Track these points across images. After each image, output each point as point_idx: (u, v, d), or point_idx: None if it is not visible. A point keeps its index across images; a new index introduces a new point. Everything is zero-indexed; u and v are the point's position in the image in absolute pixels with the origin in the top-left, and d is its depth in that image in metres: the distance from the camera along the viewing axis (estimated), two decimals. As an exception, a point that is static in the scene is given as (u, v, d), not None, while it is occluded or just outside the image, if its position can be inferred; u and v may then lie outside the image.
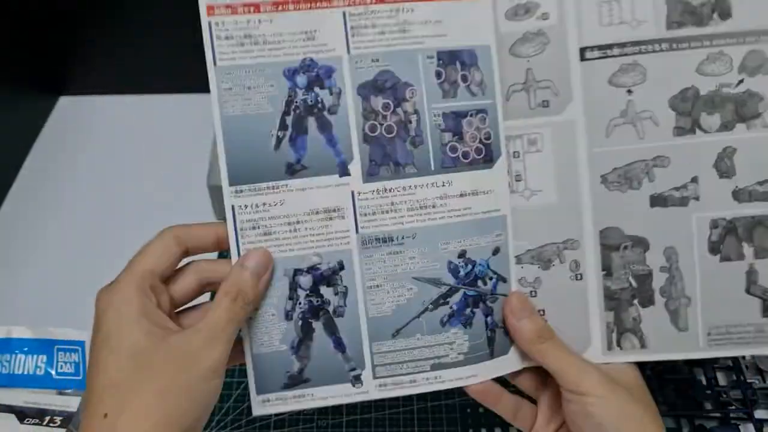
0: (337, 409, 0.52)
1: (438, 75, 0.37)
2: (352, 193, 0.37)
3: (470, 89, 0.37)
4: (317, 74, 0.36)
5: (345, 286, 0.37)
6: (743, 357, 0.52)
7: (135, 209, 0.68)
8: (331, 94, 0.37)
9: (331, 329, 0.37)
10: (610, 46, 0.38)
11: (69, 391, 0.52)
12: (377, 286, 0.37)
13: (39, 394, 0.52)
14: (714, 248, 0.38)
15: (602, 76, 0.38)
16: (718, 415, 0.50)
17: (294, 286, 0.37)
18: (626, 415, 0.35)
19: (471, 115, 0.37)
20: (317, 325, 0.37)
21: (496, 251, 0.38)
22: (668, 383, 0.51)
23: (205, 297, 0.39)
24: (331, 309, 0.37)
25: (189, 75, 0.70)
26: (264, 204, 0.36)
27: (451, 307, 0.38)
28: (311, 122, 0.37)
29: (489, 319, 0.38)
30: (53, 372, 0.53)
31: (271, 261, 0.36)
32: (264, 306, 0.37)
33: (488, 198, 0.38)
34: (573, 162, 0.38)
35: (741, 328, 0.38)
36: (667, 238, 0.38)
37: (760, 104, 0.37)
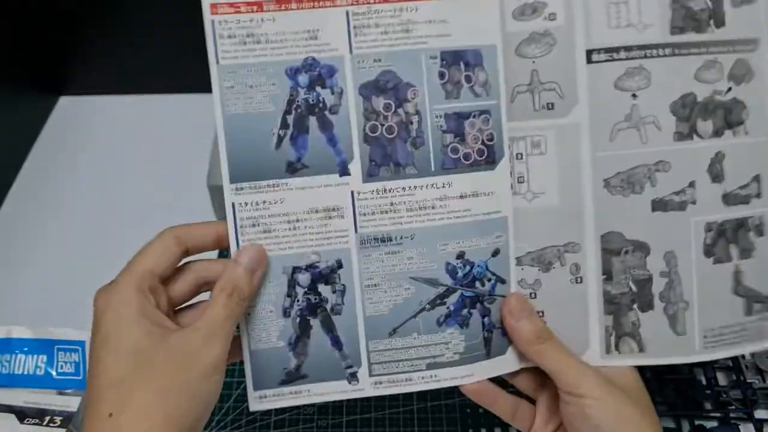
0: (337, 409, 0.52)
1: (441, 75, 0.37)
2: (352, 192, 0.37)
3: (474, 90, 0.37)
4: (319, 74, 0.36)
5: (343, 285, 0.37)
6: (743, 357, 0.52)
7: (135, 209, 0.68)
8: (333, 93, 0.37)
9: (329, 327, 0.37)
10: (617, 49, 0.37)
11: (69, 391, 0.52)
12: (375, 285, 0.37)
13: (39, 394, 0.52)
14: (708, 251, 0.38)
15: (608, 79, 0.38)
16: (718, 415, 0.50)
17: (292, 284, 0.37)
18: (623, 417, 0.35)
19: (474, 116, 0.37)
20: (315, 323, 0.37)
21: (495, 253, 0.38)
22: (668, 383, 0.51)
23: (204, 296, 0.39)
24: (328, 307, 0.37)
25: (189, 75, 0.70)
26: (264, 202, 0.36)
27: (448, 308, 0.38)
28: (312, 121, 0.37)
29: (486, 319, 0.38)
30: (53, 372, 0.53)
31: (265, 256, 0.36)
32: (262, 303, 0.37)
33: (489, 199, 0.38)
34: (576, 165, 0.38)
35: (730, 328, 0.39)
36: (667, 243, 0.38)
37: (743, 112, 0.38)
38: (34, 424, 0.50)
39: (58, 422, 0.50)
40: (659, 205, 0.38)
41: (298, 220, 0.37)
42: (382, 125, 0.37)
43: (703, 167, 0.38)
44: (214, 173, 0.62)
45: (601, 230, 0.38)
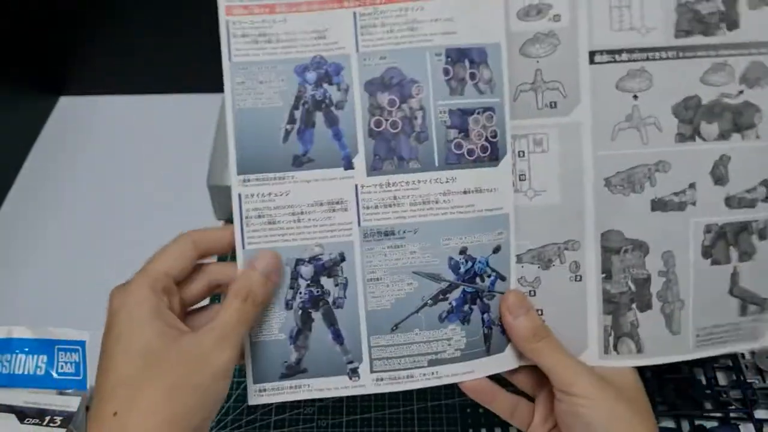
0: (337, 409, 0.52)
1: (446, 72, 0.37)
2: (356, 186, 0.37)
3: (478, 87, 0.38)
4: (326, 71, 0.37)
5: (345, 278, 0.38)
6: (743, 357, 0.52)
7: (135, 209, 0.68)
8: (339, 90, 0.37)
9: (330, 320, 0.38)
10: (619, 51, 0.38)
11: (69, 391, 0.52)
12: (377, 279, 0.38)
13: (39, 394, 0.52)
14: (706, 252, 0.39)
15: (610, 80, 0.38)
16: (718, 415, 0.50)
17: (295, 276, 0.37)
18: (616, 416, 0.35)
19: (478, 113, 0.38)
20: (316, 316, 0.38)
21: (496, 249, 0.38)
22: (668, 383, 0.51)
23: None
24: (330, 300, 0.38)
25: (189, 75, 0.70)
26: (270, 194, 0.37)
27: (450, 303, 0.38)
28: (319, 116, 0.37)
29: (486, 316, 0.38)
30: (53, 372, 0.53)
31: (280, 263, 0.37)
32: None
33: (492, 196, 0.38)
34: (578, 164, 0.38)
35: (721, 327, 0.39)
36: (665, 243, 0.39)
37: (756, 115, 0.38)
38: (34, 424, 0.50)
39: (58, 422, 0.50)
40: (659, 204, 0.38)
41: (302, 213, 0.37)
42: (387, 120, 0.37)
43: (705, 169, 0.38)
44: (214, 173, 0.62)
45: (601, 228, 0.39)
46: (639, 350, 0.39)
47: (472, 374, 0.38)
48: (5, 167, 0.72)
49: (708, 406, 0.50)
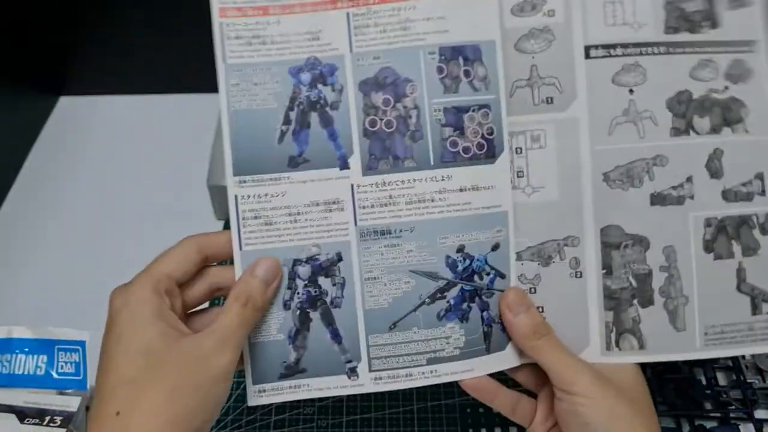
0: (337, 410, 0.52)
1: (440, 70, 0.37)
2: (352, 186, 0.37)
3: (473, 84, 0.38)
4: (320, 72, 0.37)
5: (343, 278, 0.38)
6: (743, 357, 0.52)
7: (135, 209, 0.68)
8: (334, 90, 0.38)
9: (328, 320, 0.38)
10: (614, 46, 0.38)
11: (69, 391, 0.52)
12: (375, 278, 0.38)
13: (39, 394, 0.52)
14: (708, 247, 0.39)
15: (606, 74, 0.38)
16: (718, 415, 0.50)
17: (293, 276, 0.37)
18: (616, 415, 0.35)
19: (473, 110, 0.38)
20: (314, 316, 0.38)
21: (495, 247, 0.38)
22: (668, 383, 0.51)
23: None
24: (328, 300, 0.38)
25: (189, 75, 0.70)
26: (266, 195, 0.37)
27: (448, 302, 0.38)
28: (314, 117, 0.37)
29: (485, 314, 0.38)
30: (53, 372, 0.53)
31: (279, 270, 0.37)
32: None
33: (489, 193, 0.38)
34: (575, 159, 0.38)
35: (734, 327, 0.39)
36: (666, 237, 0.38)
37: (742, 110, 0.39)
38: (34, 424, 0.50)
39: (58, 422, 0.50)
40: (658, 199, 0.38)
41: (299, 213, 0.37)
42: (381, 120, 0.38)
43: (700, 163, 0.38)
44: (214, 173, 0.62)
45: (600, 224, 0.39)
46: (641, 346, 0.39)
47: (471, 372, 0.38)
48: (5, 167, 0.72)
49: (708, 406, 0.50)
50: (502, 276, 0.39)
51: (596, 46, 0.38)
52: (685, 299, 0.38)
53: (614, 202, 0.38)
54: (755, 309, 0.39)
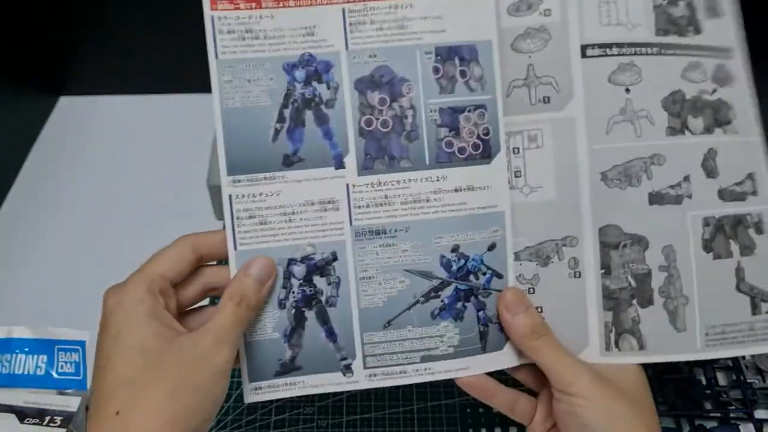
0: (337, 409, 0.52)
1: (436, 70, 0.37)
2: (347, 185, 0.37)
3: (469, 85, 0.38)
4: (315, 69, 0.37)
5: (338, 277, 0.38)
6: (743, 357, 0.52)
7: (135, 209, 0.68)
8: (329, 88, 0.37)
9: (323, 318, 0.38)
10: (609, 45, 0.38)
11: (69, 391, 0.52)
12: (370, 277, 0.38)
13: (39, 394, 0.52)
14: (707, 246, 0.39)
15: (602, 73, 0.38)
16: (718, 415, 0.50)
17: (288, 275, 0.37)
18: (615, 416, 0.35)
19: (469, 111, 0.38)
20: (309, 314, 0.38)
21: (492, 247, 0.38)
22: (668, 383, 0.51)
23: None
24: (323, 299, 0.38)
25: (189, 75, 0.70)
26: (261, 194, 0.37)
27: (442, 301, 0.38)
28: (309, 115, 0.37)
29: (481, 313, 0.38)
30: (53, 372, 0.53)
31: (274, 269, 0.37)
32: None
33: (485, 193, 0.38)
34: (573, 159, 0.38)
35: (734, 327, 0.39)
36: (665, 237, 0.39)
37: (729, 112, 0.39)
38: (34, 424, 0.50)
39: (58, 422, 0.50)
40: (656, 198, 0.38)
41: (293, 213, 0.37)
42: (377, 119, 0.37)
43: (696, 162, 0.39)
44: (214, 173, 0.62)
45: (598, 223, 0.39)
46: (641, 347, 0.38)
47: (466, 371, 0.38)
48: (5, 167, 0.72)
49: (708, 406, 0.50)
50: (500, 276, 0.39)
51: (593, 46, 0.38)
52: (685, 299, 0.38)
53: (612, 202, 0.38)
54: (755, 309, 0.39)
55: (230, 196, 0.37)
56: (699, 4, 0.39)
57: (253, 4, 0.37)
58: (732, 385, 0.51)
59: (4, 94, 0.72)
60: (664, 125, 0.38)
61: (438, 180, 0.38)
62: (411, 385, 0.52)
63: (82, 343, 0.53)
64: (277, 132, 0.37)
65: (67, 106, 0.80)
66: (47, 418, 0.51)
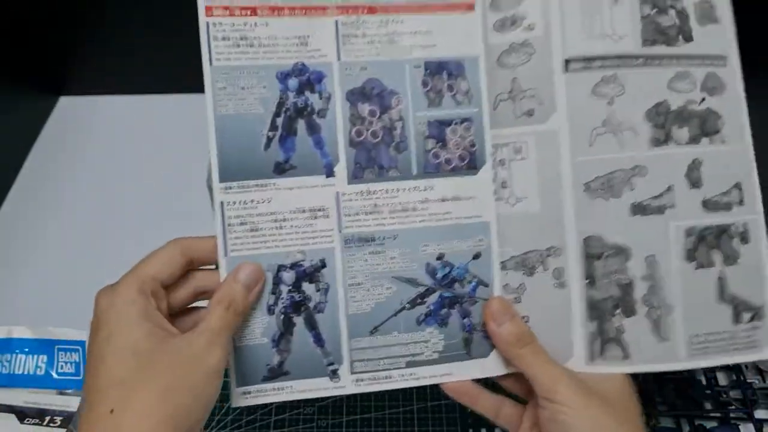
0: (337, 409, 0.52)
1: (424, 84, 0.39)
2: (337, 193, 0.38)
3: (456, 98, 0.39)
4: (308, 78, 0.38)
5: (326, 283, 0.39)
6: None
7: (135, 209, 0.69)
8: (321, 98, 0.38)
9: (312, 324, 0.38)
10: (593, 59, 0.39)
11: (69, 391, 0.52)
12: (358, 284, 0.39)
13: (39, 394, 0.52)
14: (689, 256, 0.39)
15: (585, 86, 0.39)
16: (718, 415, 0.50)
17: (277, 281, 0.38)
18: (599, 425, 0.35)
19: (456, 124, 0.39)
20: (298, 320, 0.38)
21: (477, 256, 0.39)
22: (668, 383, 0.51)
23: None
24: (312, 305, 0.39)
25: (189, 75, 0.70)
26: (252, 201, 0.38)
27: (427, 307, 0.39)
28: (301, 124, 0.38)
29: (466, 320, 0.39)
30: (53, 372, 0.53)
31: (262, 276, 0.38)
32: None
33: (470, 204, 0.39)
34: (556, 170, 0.39)
35: (717, 336, 0.39)
36: (647, 247, 0.39)
37: (718, 122, 0.40)
38: (34, 424, 0.50)
39: (58, 422, 0.51)
40: (638, 209, 0.39)
41: (284, 220, 0.38)
42: (367, 130, 0.38)
43: (680, 173, 0.39)
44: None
45: (582, 234, 0.39)
46: (625, 356, 0.39)
47: (450, 376, 0.39)
48: (5, 167, 0.72)
49: (708, 406, 0.51)
50: (485, 284, 0.39)
51: (576, 59, 0.39)
52: (668, 309, 0.39)
53: (595, 213, 0.39)
54: (737, 318, 0.39)
55: (222, 203, 0.37)
56: (692, 11, 0.40)
57: (249, 12, 0.37)
58: (732, 385, 0.51)
59: (4, 94, 0.72)
60: (648, 136, 0.39)
61: (425, 190, 0.39)
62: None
63: (82, 343, 0.53)
64: (269, 140, 0.38)
65: (67, 106, 0.80)
66: (47, 418, 0.51)
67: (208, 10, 0.37)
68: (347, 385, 0.39)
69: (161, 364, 0.32)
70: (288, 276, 0.38)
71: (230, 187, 0.37)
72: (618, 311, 0.39)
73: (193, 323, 0.36)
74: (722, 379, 0.53)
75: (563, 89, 0.39)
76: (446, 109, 0.39)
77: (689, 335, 0.39)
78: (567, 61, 0.39)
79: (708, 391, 0.51)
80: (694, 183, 0.39)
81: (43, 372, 0.53)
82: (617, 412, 0.36)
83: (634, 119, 0.39)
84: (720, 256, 0.39)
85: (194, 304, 0.39)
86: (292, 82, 0.38)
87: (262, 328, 0.38)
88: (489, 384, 0.40)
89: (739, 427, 0.49)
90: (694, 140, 0.39)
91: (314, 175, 0.38)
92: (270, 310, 0.38)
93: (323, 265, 0.38)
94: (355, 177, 0.38)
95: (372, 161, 0.38)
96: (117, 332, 0.33)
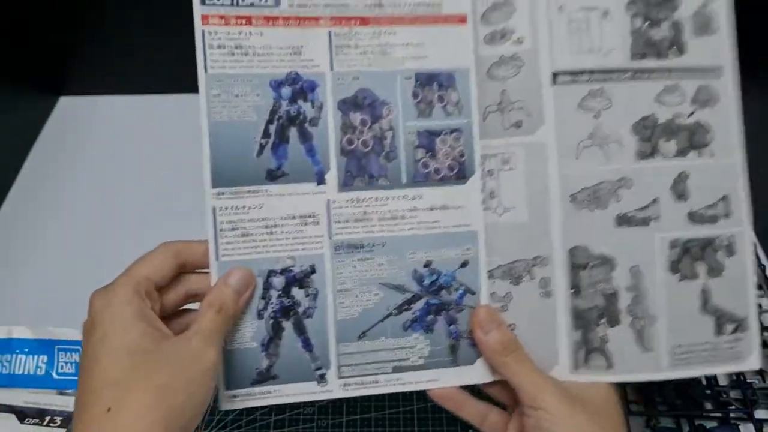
0: (337, 409, 0.53)
1: (415, 95, 0.40)
2: (328, 201, 0.39)
3: (446, 109, 0.40)
4: (301, 87, 0.39)
5: (316, 289, 0.39)
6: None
7: (135, 209, 0.69)
8: (313, 107, 0.39)
9: (300, 329, 0.39)
10: (580, 72, 0.40)
11: (69, 391, 0.53)
12: (347, 290, 0.39)
13: (39, 394, 0.52)
14: (674, 267, 0.40)
15: (573, 100, 0.40)
16: (718, 415, 0.50)
17: (267, 286, 0.39)
18: None
19: (445, 134, 0.40)
20: (287, 325, 0.39)
21: (464, 264, 0.40)
22: (668, 383, 0.51)
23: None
24: (301, 310, 0.39)
25: (189, 75, 0.70)
26: (244, 207, 0.38)
27: (414, 313, 0.40)
28: (293, 132, 0.39)
29: (453, 327, 0.40)
30: (53, 372, 0.53)
31: (253, 281, 0.38)
32: None
33: (459, 213, 0.40)
34: (544, 181, 0.40)
35: (699, 346, 0.40)
36: (632, 258, 0.40)
37: (707, 135, 0.40)
38: (34, 424, 0.51)
39: (58, 422, 0.51)
40: (624, 220, 0.40)
41: (275, 226, 0.39)
42: (358, 139, 0.39)
43: (666, 185, 0.40)
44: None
45: (568, 245, 0.40)
46: (609, 366, 0.40)
47: (436, 382, 0.40)
48: (5, 167, 0.73)
49: (708, 406, 0.51)
50: (473, 292, 0.40)
51: (563, 73, 0.40)
52: (651, 319, 0.40)
53: (581, 224, 0.40)
54: (719, 329, 0.40)
55: (214, 209, 0.38)
56: (687, 22, 0.40)
57: (244, 21, 0.38)
58: (732, 385, 0.52)
59: (4, 94, 0.72)
60: (634, 149, 0.40)
61: (414, 199, 0.40)
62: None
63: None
64: (262, 147, 0.38)
65: (67, 106, 0.81)
66: (47, 418, 0.51)
67: (204, 18, 0.38)
68: (334, 389, 0.40)
69: (156, 364, 0.33)
70: (278, 281, 0.39)
71: (222, 193, 0.38)
72: (602, 321, 0.40)
73: (184, 325, 0.37)
74: (722, 379, 0.53)
75: (551, 102, 0.40)
76: (436, 120, 0.40)
77: (672, 346, 0.40)
78: (555, 75, 0.40)
79: (708, 391, 0.51)
80: (680, 195, 0.40)
81: (43, 372, 0.53)
82: (602, 420, 0.37)
83: (621, 132, 0.40)
84: (704, 268, 0.40)
85: (185, 307, 0.39)
86: (285, 91, 0.38)
87: (251, 332, 0.39)
88: (475, 391, 0.41)
89: (739, 427, 0.49)
90: (681, 153, 0.40)
91: (305, 182, 0.39)
92: (260, 315, 0.39)
93: (313, 270, 0.39)
94: (345, 185, 0.39)
95: (362, 170, 0.39)
96: (112, 333, 0.33)
